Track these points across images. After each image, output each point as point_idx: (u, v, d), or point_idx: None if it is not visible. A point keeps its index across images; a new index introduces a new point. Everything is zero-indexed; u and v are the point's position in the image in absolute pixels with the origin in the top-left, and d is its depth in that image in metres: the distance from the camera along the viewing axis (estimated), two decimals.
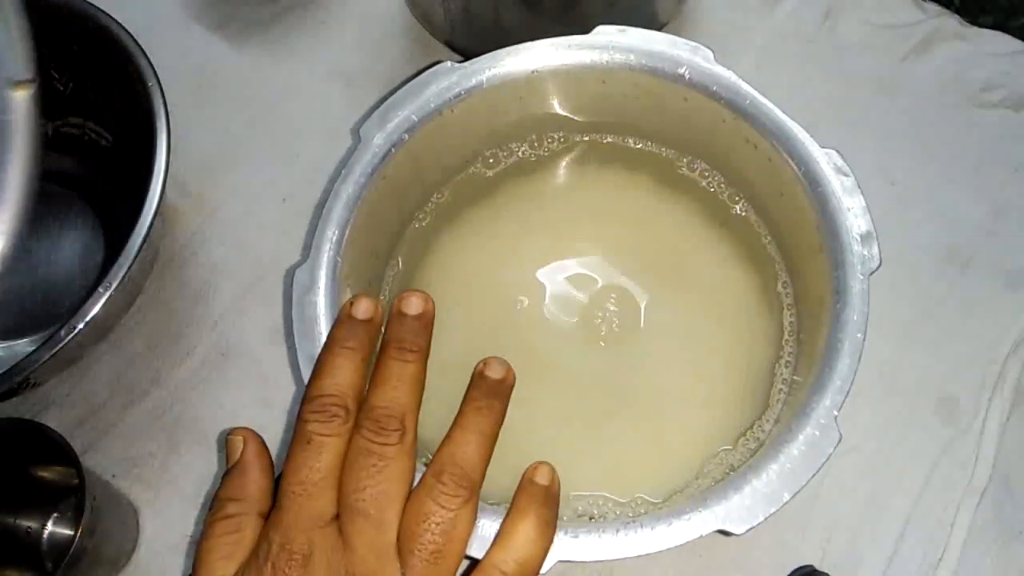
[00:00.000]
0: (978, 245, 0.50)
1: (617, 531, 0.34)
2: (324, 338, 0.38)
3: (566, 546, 0.34)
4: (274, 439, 0.47)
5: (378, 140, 0.42)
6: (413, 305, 0.36)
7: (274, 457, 0.46)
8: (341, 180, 0.41)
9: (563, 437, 0.43)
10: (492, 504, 0.37)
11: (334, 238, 0.40)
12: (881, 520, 0.45)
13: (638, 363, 0.44)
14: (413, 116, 0.42)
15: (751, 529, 0.34)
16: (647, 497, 0.41)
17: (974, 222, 0.51)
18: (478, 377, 0.37)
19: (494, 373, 0.36)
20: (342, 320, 0.36)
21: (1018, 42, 0.56)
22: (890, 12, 0.56)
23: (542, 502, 0.35)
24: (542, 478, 0.36)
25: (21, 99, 0.30)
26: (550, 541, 0.34)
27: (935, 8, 0.57)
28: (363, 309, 0.36)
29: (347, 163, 0.41)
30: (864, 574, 0.44)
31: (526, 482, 0.36)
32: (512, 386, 0.37)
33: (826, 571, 0.43)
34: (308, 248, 0.40)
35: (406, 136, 0.42)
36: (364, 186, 0.41)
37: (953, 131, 0.53)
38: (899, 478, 0.46)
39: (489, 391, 0.36)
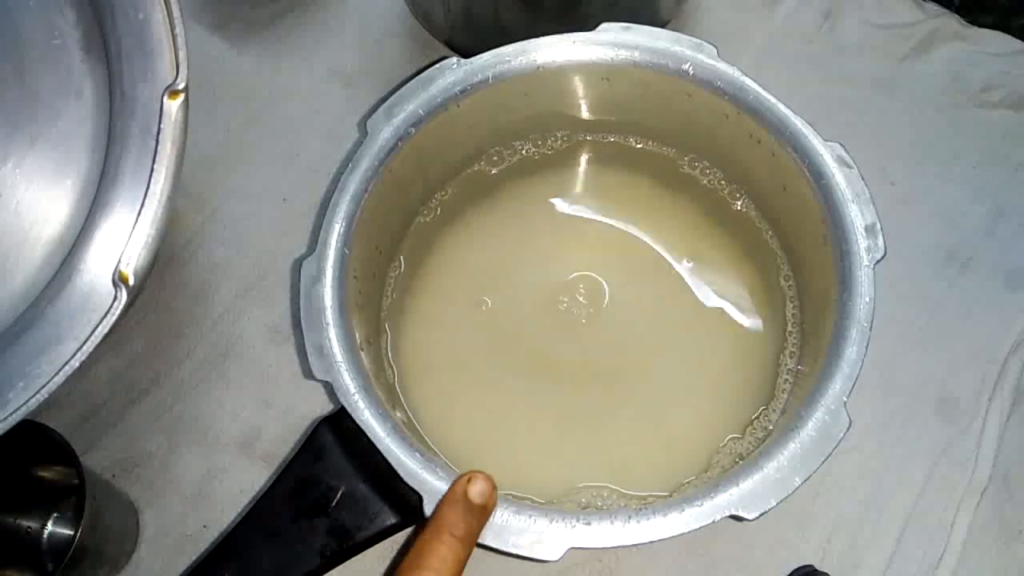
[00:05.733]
0: (978, 245, 0.51)
1: (629, 518, 0.34)
2: (331, 328, 0.38)
3: (578, 533, 0.34)
4: (274, 439, 0.47)
5: (385, 134, 0.42)
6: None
7: (276, 457, 0.47)
8: (348, 173, 0.41)
9: (567, 433, 0.43)
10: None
11: (341, 230, 0.40)
12: (881, 520, 0.45)
13: (640, 359, 0.45)
14: (420, 111, 0.42)
15: (763, 514, 0.34)
16: (655, 492, 0.41)
17: (974, 222, 0.51)
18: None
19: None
20: (455, 501, 0.33)
21: (1018, 42, 0.56)
22: (890, 12, 0.56)
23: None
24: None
25: (176, 108, 0.30)
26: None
27: (935, 8, 0.57)
28: (479, 492, 0.33)
29: (354, 156, 0.42)
30: (864, 574, 0.44)
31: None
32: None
33: (826, 571, 0.43)
34: (314, 240, 0.40)
35: (412, 130, 0.42)
36: (371, 180, 0.41)
37: (953, 131, 0.53)
38: (899, 478, 0.46)
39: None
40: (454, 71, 0.43)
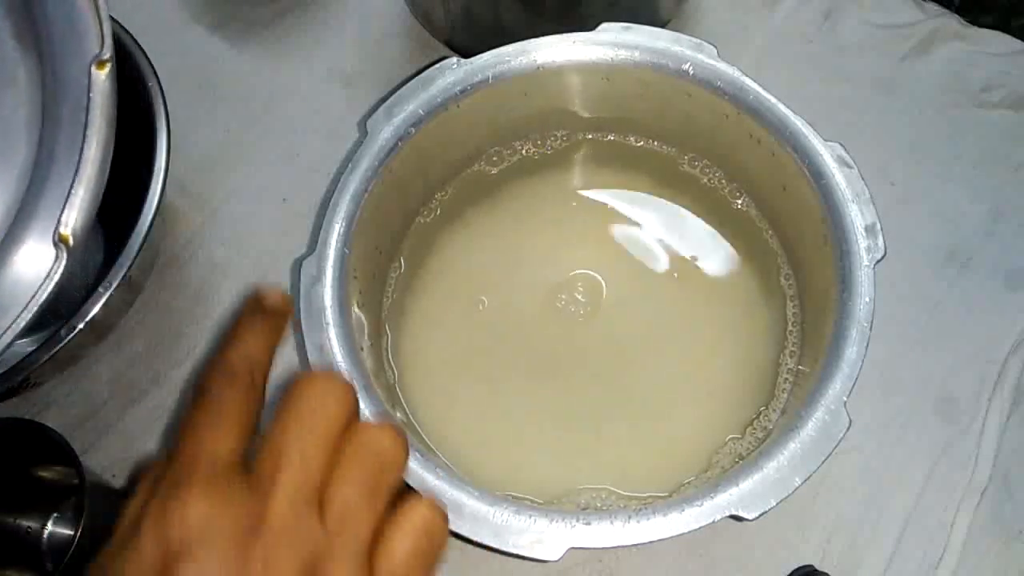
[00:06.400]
0: (978, 245, 0.50)
1: (629, 518, 0.34)
2: (331, 328, 0.38)
3: (578, 533, 0.34)
4: None
5: (385, 133, 0.42)
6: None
7: None
8: (348, 173, 0.41)
9: (566, 433, 0.43)
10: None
11: (341, 230, 0.40)
12: (881, 520, 0.45)
13: (640, 359, 0.45)
14: (420, 110, 0.42)
15: (763, 514, 0.34)
16: (655, 492, 0.41)
17: (974, 222, 0.51)
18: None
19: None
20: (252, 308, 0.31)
21: (1018, 42, 0.56)
22: (890, 12, 0.56)
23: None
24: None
25: (103, 77, 0.32)
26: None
27: (935, 8, 0.57)
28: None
29: (354, 156, 0.42)
30: (864, 574, 0.44)
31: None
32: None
33: (826, 571, 0.43)
34: (314, 240, 0.40)
35: (412, 130, 0.42)
36: (371, 180, 0.41)
37: (953, 131, 0.53)
38: (899, 478, 0.46)
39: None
40: (454, 71, 0.43)
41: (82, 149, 0.32)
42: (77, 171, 0.32)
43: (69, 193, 0.32)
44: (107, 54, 0.32)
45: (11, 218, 0.33)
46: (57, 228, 0.32)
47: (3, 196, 0.34)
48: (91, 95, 0.32)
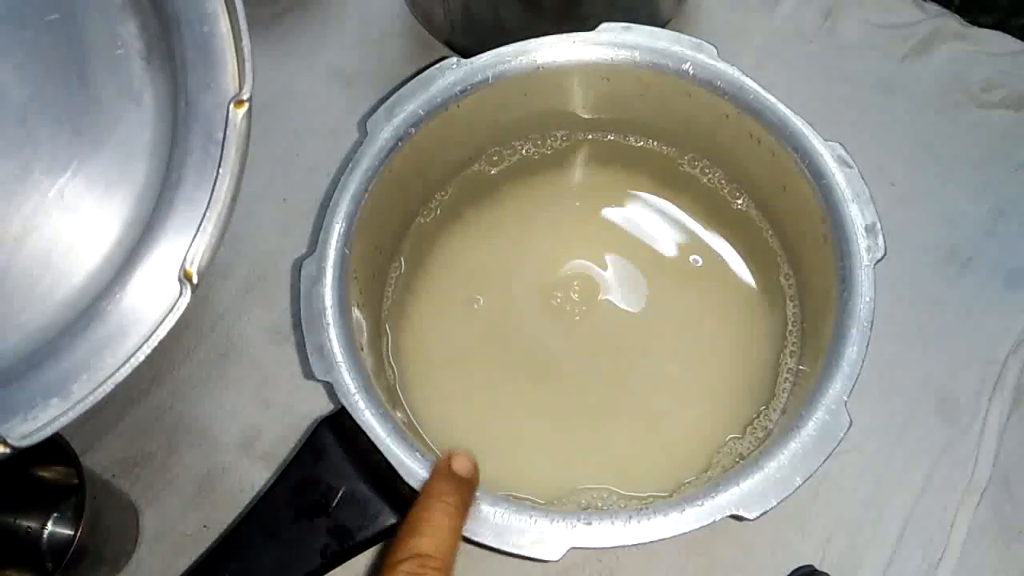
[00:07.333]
0: (978, 245, 0.51)
1: (630, 518, 0.35)
2: (331, 328, 0.38)
3: (579, 533, 0.34)
4: (273, 439, 0.47)
5: (385, 134, 0.42)
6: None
7: (276, 457, 0.47)
8: (348, 173, 0.41)
9: (567, 433, 0.43)
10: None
11: (341, 230, 0.40)
12: (881, 520, 0.45)
13: (640, 359, 0.45)
14: (420, 111, 0.42)
15: (764, 514, 0.34)
16: (656, 492, 0.41)
17: (974, 222, 0.51)
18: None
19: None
20: (441, 474, 0.35)
21: (1018, 42, 0.56)
22: (890, 12, 0.56)
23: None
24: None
25: (240, 116, 0.32)
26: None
27: (935, 8, 0.57)
28: (461, 466, 0.35)
29: (354, 156, 0.42)
30: (864, 574, 0.44)
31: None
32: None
33: (826, 571, 0.43)
34: (314, 240, 0.40)
35: (412, 130, 0.42)
36: (371, 180, 0.41)
37: (953, 131, 0.53)
38: (899, 478, 0.46)
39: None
40: (454, 71, 0.43)
41: (214, 187, 0.32)
42: (207, 209, 0.31)
43: (197, 231, 0.31)
44: (246, 95, 0.32)
45: (131, 239, 0.32)
46: (183, 265, 0.31)
47: (122, 213, 0.33)
48: (227, 133, 0.32)
